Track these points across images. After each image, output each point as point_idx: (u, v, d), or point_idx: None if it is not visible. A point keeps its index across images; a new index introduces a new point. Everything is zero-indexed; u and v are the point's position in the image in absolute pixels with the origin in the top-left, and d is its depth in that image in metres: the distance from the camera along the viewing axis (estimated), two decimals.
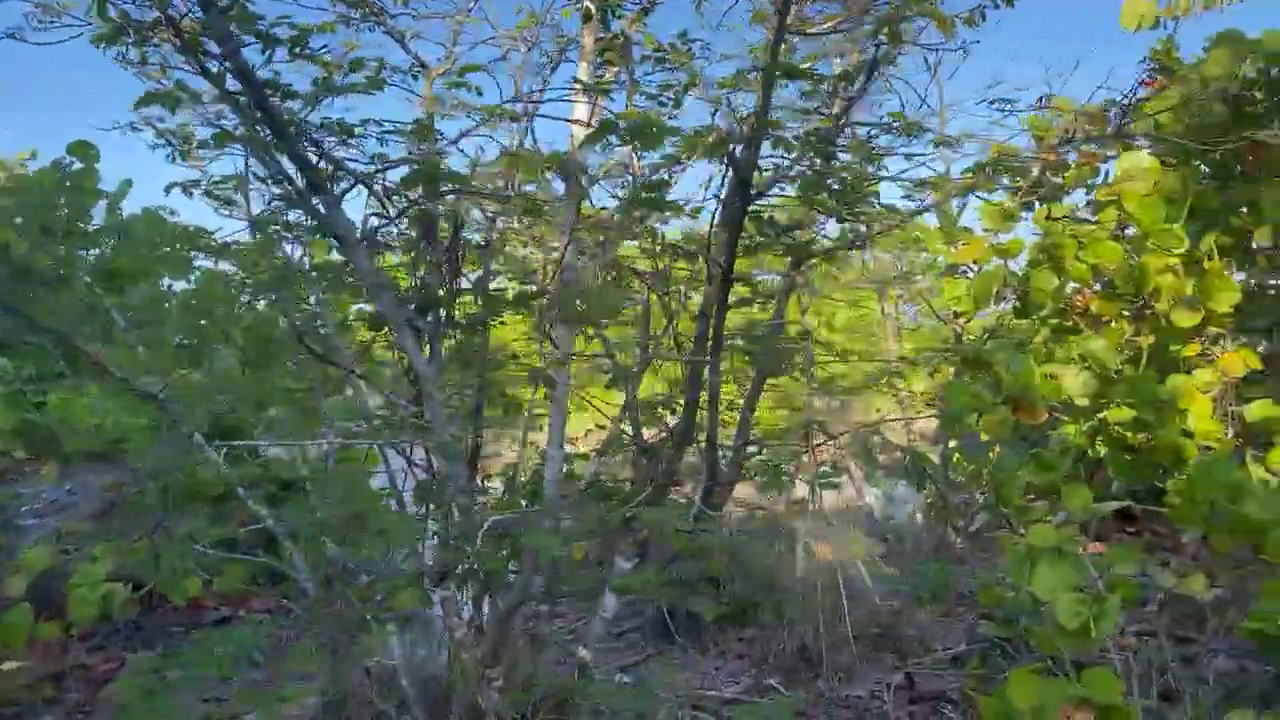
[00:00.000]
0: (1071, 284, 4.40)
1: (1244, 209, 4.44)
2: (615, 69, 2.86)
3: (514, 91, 2.82)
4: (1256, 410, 4.17)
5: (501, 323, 3.46)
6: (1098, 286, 4.22)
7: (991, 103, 4.19)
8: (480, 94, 2.75)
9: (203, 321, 4.62)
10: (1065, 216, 4.52)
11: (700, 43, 2.77)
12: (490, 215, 2.82)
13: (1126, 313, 4.16)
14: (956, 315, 4.88)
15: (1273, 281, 4.41)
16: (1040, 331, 4.45)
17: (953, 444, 6.64)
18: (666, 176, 2.64)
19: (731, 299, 3.02)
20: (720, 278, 2.59)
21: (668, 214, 2.83)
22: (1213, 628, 3.63)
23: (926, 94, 5.30)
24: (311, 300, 3.03)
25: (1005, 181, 5.24)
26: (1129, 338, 4.17)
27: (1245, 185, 4.38)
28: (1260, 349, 4.28)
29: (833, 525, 7.98)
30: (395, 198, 2.62)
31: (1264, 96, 4.29)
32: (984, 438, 4.19)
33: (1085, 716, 2.48)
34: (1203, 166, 4.66)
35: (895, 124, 2.84)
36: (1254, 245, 4.27)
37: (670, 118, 2.76)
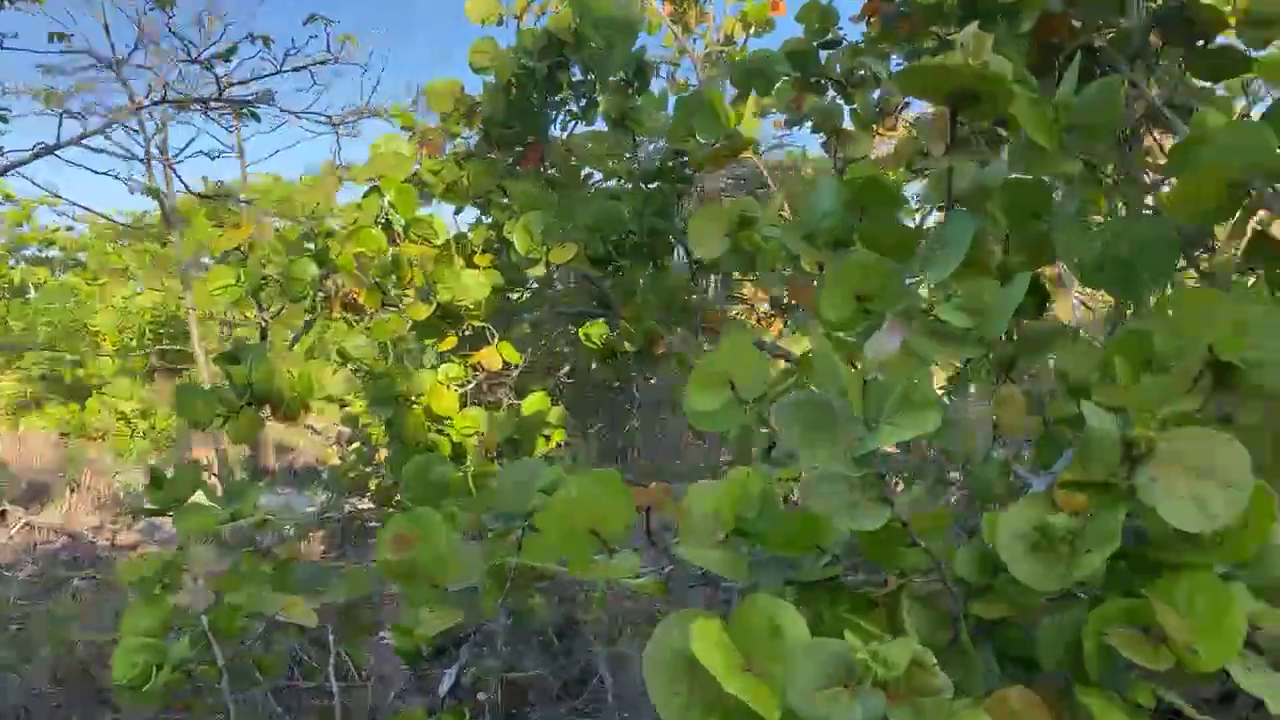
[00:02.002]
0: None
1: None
2: None
3: None
4: (530, 403, 4.24)
5: None
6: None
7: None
8: None
9: None
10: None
11: None
12: None
13: (396, 306, 3.98)
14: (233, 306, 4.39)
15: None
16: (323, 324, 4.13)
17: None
18: None
19: None
20: None
21: None
22: None
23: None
24: None
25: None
26: (404, 331, 3.99)
27: (517, 179, 4.47)
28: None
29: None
30: None
31: (534, 89, 4.39)
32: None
33: None
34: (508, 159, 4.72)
35: None
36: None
37: None
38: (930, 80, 1.43)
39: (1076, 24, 1.94)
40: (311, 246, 3.90)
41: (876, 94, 4.12)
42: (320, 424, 10.13)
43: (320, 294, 3.85)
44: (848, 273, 1.57)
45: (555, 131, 4.59)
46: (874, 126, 4.21)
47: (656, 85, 4.67)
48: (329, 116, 4.88)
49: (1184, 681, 1.26)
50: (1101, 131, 1.71)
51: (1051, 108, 1.72)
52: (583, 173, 4.63)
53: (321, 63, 4.74)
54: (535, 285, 4.90)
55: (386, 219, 3.95)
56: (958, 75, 1.40)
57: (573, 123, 4.68)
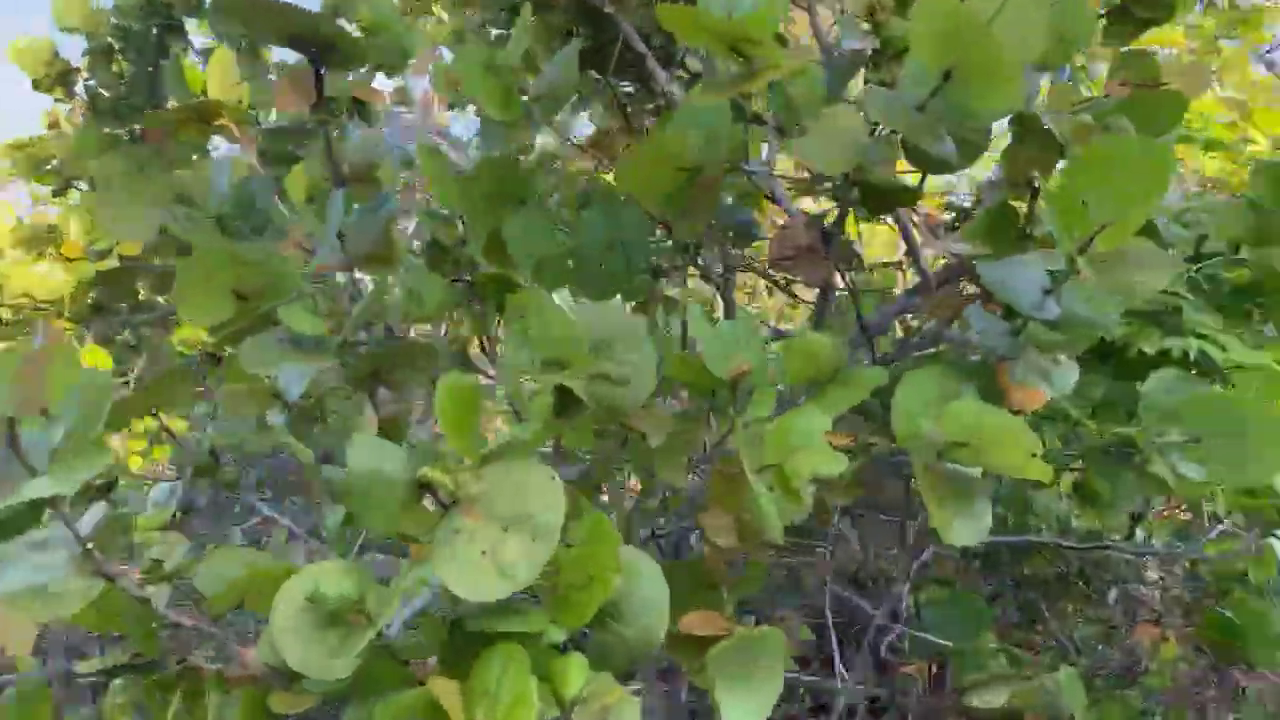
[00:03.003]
0: None
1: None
2: None
3: None
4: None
5: None
6: None
7: None
8: None
9: None
10: None
11: None
12: None
13: None
14: None
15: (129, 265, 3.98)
16: None
17: None
18: None
19: None
20: None
21: None
22: None
23: None
24: None
25: None
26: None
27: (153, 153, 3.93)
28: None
29: None
30: None
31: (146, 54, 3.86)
32: None
33: None
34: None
35: None
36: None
37: None
38: (266, 21, 1.13)
39: None
40: None
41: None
42: None
43: None
44: (217, 264, 1.25)
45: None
46: None
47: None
48: None
49: None
50: (562, 102, 1.48)
51: (507, 74, 1.48)
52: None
53: None
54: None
55: None
56: (291, 16, 1.10)
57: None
